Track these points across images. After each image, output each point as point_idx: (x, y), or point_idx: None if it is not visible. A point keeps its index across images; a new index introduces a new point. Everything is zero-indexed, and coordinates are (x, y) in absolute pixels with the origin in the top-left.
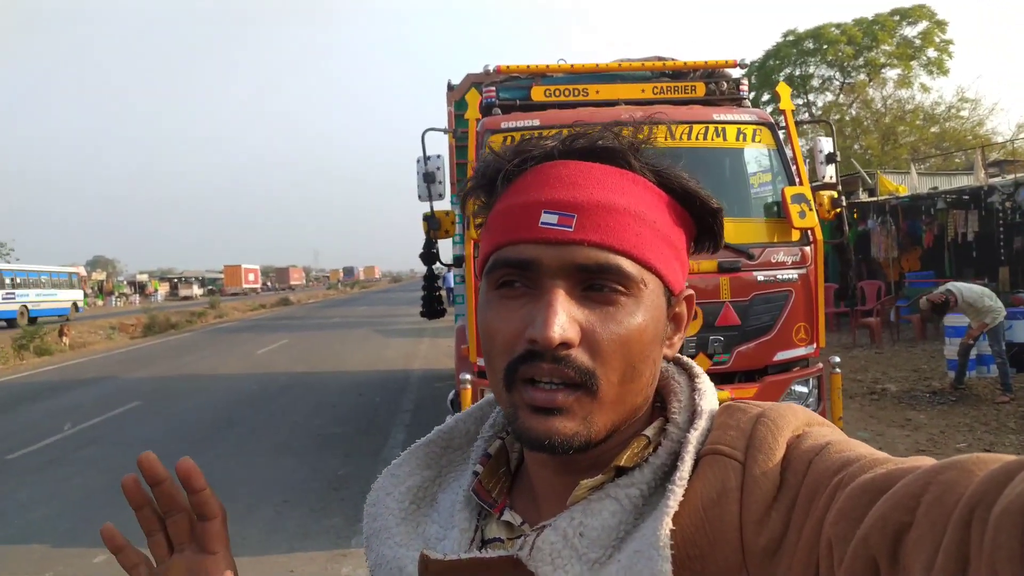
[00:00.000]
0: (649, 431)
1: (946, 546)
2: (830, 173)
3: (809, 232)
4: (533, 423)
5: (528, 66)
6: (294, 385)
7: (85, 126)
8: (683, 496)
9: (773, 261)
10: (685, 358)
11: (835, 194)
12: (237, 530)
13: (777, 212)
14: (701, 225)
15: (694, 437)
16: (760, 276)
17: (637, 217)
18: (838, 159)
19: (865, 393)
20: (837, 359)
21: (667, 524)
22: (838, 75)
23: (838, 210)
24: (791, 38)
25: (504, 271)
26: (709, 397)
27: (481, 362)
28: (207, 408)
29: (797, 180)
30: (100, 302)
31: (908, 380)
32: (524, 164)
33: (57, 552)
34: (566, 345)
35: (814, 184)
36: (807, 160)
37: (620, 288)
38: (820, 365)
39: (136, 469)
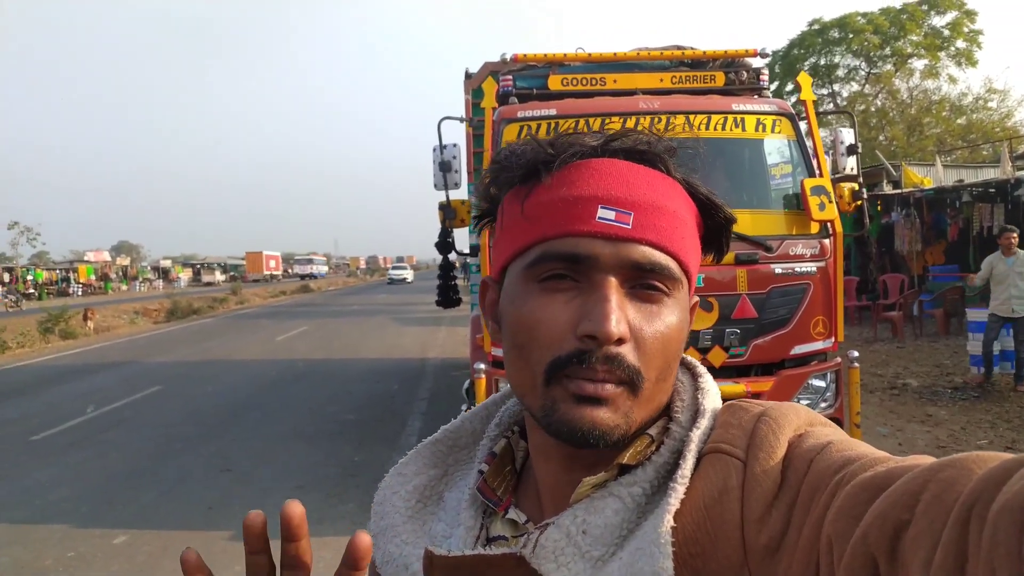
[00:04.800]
0: (652, 429)
1: (944, 543)
2: (851, 165)
3: (828, 225)
4: (576, 413)
5: (546, 55)
6: (312, 372)
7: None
8: (685, 494)
9: (791, 254)
10: (688, 357)
11: (856, 186)
12: None
13: (796, 204)
14: (710, 235)
15: (696, 436)
16: (778, 268)
17: (681, 221)
18: (859, 151)
19: (885, 388)
20: (855, 353)
21: (668, 521)
22: (864, 65)
23: (859, 203)
24: (816, 27)
25: (553, 264)
26: (712, 396)
27: (496, 352)
28: (226, 393)
29: (817, 172)
30: (124, 287)
31: (930, 375)
32: (572, 157)
33: (79, 532)
34: (620, 340)
35: (835, 176)
36: (829, 152)
37: (665, 288)
38: (838, 359)
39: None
